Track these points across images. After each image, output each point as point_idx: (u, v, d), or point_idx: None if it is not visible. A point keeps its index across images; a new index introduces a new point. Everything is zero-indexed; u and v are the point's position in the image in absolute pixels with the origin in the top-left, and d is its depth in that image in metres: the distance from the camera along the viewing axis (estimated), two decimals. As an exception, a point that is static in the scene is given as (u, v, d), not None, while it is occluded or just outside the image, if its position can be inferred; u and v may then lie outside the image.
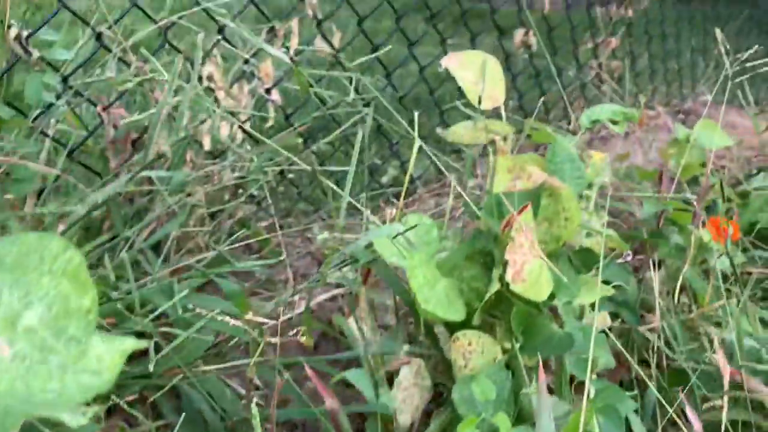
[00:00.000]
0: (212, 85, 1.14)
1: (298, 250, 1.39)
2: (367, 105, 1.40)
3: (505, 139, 0.79)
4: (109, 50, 1.01)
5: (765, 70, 1.10)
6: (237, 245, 1.16)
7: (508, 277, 0.63)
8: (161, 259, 1.00)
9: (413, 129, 0.82)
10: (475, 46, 1.64)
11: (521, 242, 0.64)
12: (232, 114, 1.18)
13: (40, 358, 0.29)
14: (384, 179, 1.63)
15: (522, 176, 0.73)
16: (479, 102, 0.78)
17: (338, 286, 1.25)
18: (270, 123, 1.26)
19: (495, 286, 0.68)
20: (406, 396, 0.73)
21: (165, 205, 1.05)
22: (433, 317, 0.70)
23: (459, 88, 0.88)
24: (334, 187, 0.84)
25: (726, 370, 0.60)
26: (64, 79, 0.98)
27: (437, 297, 0.66)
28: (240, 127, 1.20)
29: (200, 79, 1.13)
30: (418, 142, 0.79)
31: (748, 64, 1.01)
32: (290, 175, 1.54)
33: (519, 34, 1.58)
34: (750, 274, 1.27)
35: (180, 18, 1.02)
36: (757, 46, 0.99)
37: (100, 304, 0.82)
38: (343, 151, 1.72)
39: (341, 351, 1.08)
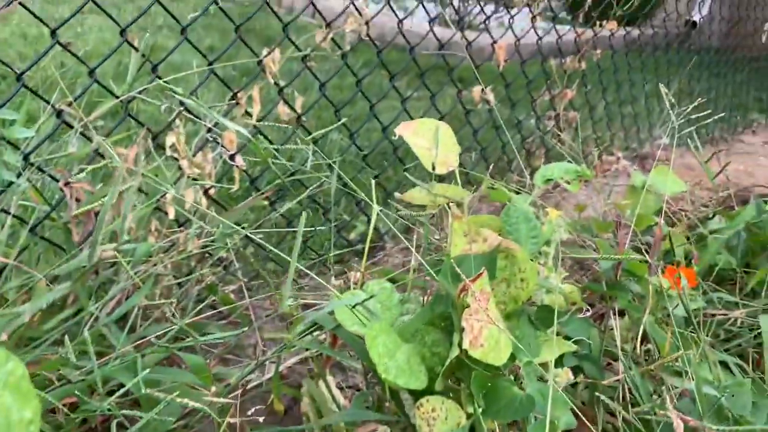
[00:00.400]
0: (175, 155, 1.15)
1: (267, 313, 1.38)
2: (330, 167, 1.43)
3: (459, 204, 0.81)
4: (71, 126, 1.02)
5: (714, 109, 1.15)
6: (206, 314, 1.16)
7: (466, 344, 0.64)
8: (126, 331, 0.99)
9: (377, 190, 0.84)
10: (436, 100, 1.69)
11: (477, 307, 0.65)
12: (197, 181, 1.20)
13: (-20, 478, 0.29)
14: (352, 235, 1.64)
15: (477, 239, 0.75)
16: (433, 167, 0.80)
17: (308, 348, 1.25)
18: (236, 188, 1.27)
19: (456, 352, 0.69)
20: (374, 464, 0.73)
21: (129, 277, 1.05)
22: (396, 385, 0.70)
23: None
24: (285, 256, 0.85)
25: (679, 426, 0.61)
26: (26, 157, 0.99)
27: (398, 366, 0.67)
28: (205, 193, 1.21)
29: (163, 148, 1.14)
30: (376, 209, 0.80)
31: (693, 116, 1.06)
32: (259, 236, 1.54)
33: (476, 91, 1.62)
34: (714, 316, 1.30)
35: (140, 92, 1.04)
36: (700, 99, 1.04)
37: (60, 386, 0.81)
38: (313, 208, 1.74)
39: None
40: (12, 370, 0.33)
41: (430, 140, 0.83)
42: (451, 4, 3.52)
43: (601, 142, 2.19)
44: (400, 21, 1.49)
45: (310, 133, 1.37)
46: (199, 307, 1.17)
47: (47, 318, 1.03)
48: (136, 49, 1.06)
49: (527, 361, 0.74)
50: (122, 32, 1.03)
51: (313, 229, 1.60)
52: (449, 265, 0.74)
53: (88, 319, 1.03)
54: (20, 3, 0.95)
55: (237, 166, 1.24)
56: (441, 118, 1.73)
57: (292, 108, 1.31)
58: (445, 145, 0.83)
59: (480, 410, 0.67)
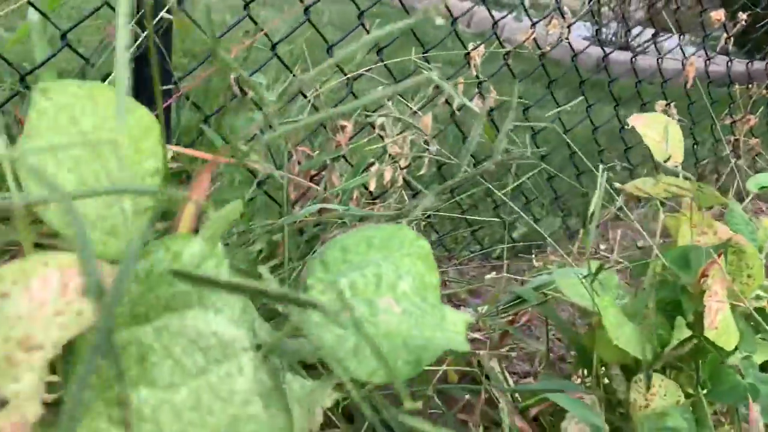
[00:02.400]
0: (382, 134, 1.24)
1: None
2: (542, 158, 1.48)
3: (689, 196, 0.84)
4: (305, 96, 1.14)
5: None
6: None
7: (707, 323, 0.66)
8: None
9: (596, 181, 0.87)
10: (591, 113, 1.70)
11: (717, 291, 0.68)
12: (395, 161, 1.29)
13: (419, 315, 0.37)
14: (515, 234, 1.68)
15: (708, 232, 0.77)
16: (665, 160, 0.84)
17: (477, 329, 1.31)
18: (423, 171, 1.36)
19: (682, 334, 0.72)
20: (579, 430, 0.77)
21: (332, 234, 1.15)
22: (615, 358, 0.74)
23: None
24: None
25: None
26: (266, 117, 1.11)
27: (626, 336, 0.71)
28: (402, 172, 1.30)
29: (373, 126, 1.24)
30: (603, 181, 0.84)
31: None
32: (434, 221, 1.62)
33: (660, 105, 1.62)
34: None
35: (367, 70, 1.14)
36: None
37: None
38: (491, 202, 1.80)
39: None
40: (421, 245, 0.40)
41: (660, 134, 0.86)
42: (618, 23, 3.50)
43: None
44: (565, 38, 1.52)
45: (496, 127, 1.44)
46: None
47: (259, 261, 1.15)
48: (368, 31, 1.16)
49: (746, 356, 0.75)
50: (360, 15, 1.14)
51: (485, 220, 1.66)
52: (677, 252, 0.77)
53: (291, 271, 1.14)
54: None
55: (430, 152, 1.32)
56: (594, 130, 1.74)
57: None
58: (674, 139, 0.86)
59: (703, 392, 0.70)
